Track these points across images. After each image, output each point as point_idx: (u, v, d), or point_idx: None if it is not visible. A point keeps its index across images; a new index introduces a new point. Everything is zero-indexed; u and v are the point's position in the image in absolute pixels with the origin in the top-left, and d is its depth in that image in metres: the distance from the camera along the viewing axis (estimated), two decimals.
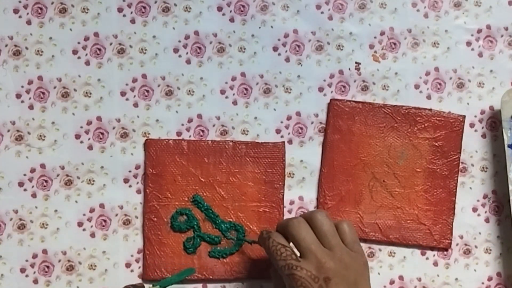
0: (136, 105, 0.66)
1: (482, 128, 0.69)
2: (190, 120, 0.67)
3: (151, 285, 0.60)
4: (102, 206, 0.65)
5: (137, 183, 0.66)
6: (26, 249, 0.64)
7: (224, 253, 0.65)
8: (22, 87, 0.65)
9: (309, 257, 0.54)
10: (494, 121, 0.69)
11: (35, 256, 0.64)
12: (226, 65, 0.67)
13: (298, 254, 0.55)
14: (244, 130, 0.67)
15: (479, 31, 0.70)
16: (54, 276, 0.64)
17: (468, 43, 0.70)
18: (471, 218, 0.68)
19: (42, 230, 0.64)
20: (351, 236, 0.56)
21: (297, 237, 0.55)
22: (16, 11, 0.66)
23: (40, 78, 0.65)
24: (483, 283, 0.68)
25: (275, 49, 0.68)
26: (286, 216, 0.66)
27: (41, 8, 0.66)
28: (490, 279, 0.68)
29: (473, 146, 0.69)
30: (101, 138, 0.66)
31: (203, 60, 0.67)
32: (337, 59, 0.68)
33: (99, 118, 0.66)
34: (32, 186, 0.65)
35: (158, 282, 0.61)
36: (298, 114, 0.68)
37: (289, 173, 0.67)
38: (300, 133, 0.67)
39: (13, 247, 0.64)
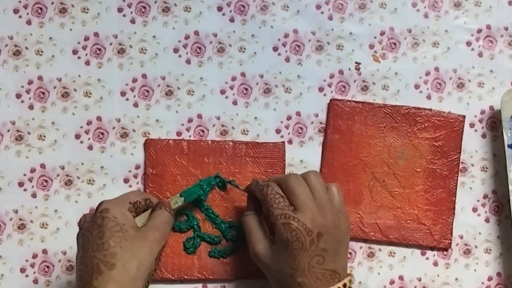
0: (136, 105, 0.66)
1: (482, 128, 0.69)
2: (190, 120, 0.67)
3: (176, 197, 0.61)
4: None
5: (137, 183, 0.66)
6: (26, 249, 0.64)
7: (224, 253, 0.65)
8: (22, 87, 0.65)
9: (304, 210, 0.55)
10: (494, 121, 0.69)
11: (35, 256, 0.64)
12: (226, 65, 0.67)
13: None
14: (244, 130, 0.67)
15: (479, 31, 0.70)
16: (54, 276, 0.64)
17: (468, 43, 0.70)
18: (471, 218, 0.68)
19: (42, 230, 0.64)
20: (339, 198, 0.58)
21: (295, 191, 0.56)
22: (16, 11, 0.66)
23: (40, 78, 0.65)
24: (483, 283, 0.68)
25: (275, 49, 0.68)
26: None
27: (41, 8, 0.66)
28: (490, 279, 0.68)
29: (473, 146, 0.69)
30: (101, 138, 0.66)
31: (203, 60, 0.67)
32: (337, 59, 0.68)
33: (99, 118, 0.66)
34: (32, 186, 0.65)
35: (181, 192, 0.62)
36: (298, 114, 0.68)
37: (289, 173, 0.67)
38: (300, 133, 0.67)
39: (13, 247, 0.64)
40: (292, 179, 0.57)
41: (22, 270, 0.64)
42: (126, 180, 0.65)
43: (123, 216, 0.53)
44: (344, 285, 0.55)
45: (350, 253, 0.66)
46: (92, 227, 0.52)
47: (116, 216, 0.52)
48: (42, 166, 0.65)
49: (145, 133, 0.66)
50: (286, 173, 0.66)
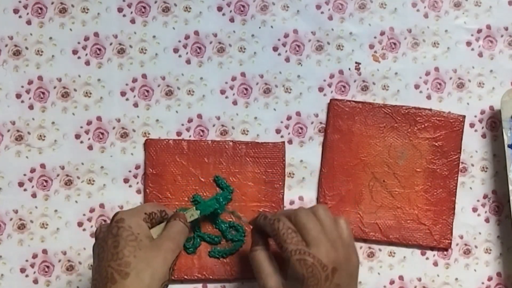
0: (136, 105, 0.66)
1: (482, 128, 0.69)
2: (190, 120, 0.67)
3: (192, 209, 0.61)
4: (102, 206, 0.65)
5: (137, 183, 0.66)
6: (26, 249, 0.64)
7: (224, 253, 0.65)
8: (22, 87, 0.65)
9: (318, 246, 0.54)
10: (494, 121, 0.69)
11: (35, 256, 0.64)
12: (226, 65, 0.67)
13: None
14: (244, 130, 0.67)
15: (479, 31, 0.70)
16: (54, 276, 0.64)
17: (468, 43, 0.70)
18: (471, 218, 0.68)
19: (42, 230, 0.64)
20: (347, 232, 0.57)
21: (306, 226, 0.55)
22: (16, 11, 0.66)
23: (40, 78, 0.65)
24: (483, 283, 0.68)
25: (275, 49, 0.68)
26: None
27: (41, 8, 0.66)
28: (490, 279, 0.68)
29: (473, 146, 0.69)
30: (101, 138, 0.66)
31: (203, 60, 0.67)
32: (337, 59, 0.68)
33: (99, 118, 0.66)
34: (32, 186, 0.65)
35: (197, 205, 0.62)
36: (298, 114, 0.68)
37: (289, 173, 0.67)
38: (300, 133, 0.67)
39: (13, 247, 0.64)
40: (302, 213, 0.56)
41: (22, 270, 0.64)
42: (126, 180, 0.65)
43: (138, 226, 0.52)
44: None
45: None
46: (107, 237, 0.51)
47: (131, 226, 0.52)
48: (42, 166, 0.65)
49: (145, 133, 0.66)
50: (286, 173, 0.66)
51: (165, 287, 0.52)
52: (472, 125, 0.69)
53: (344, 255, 0.55)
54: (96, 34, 0.66)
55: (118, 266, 0.50)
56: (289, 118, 0.67)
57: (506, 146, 0.66)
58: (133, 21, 0.67)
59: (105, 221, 0.65)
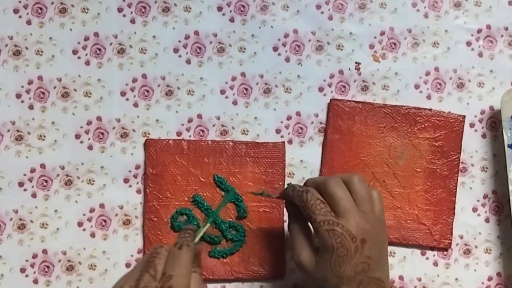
0: (136, 105, 0.66)
1: (482, 128, 0.69)
2: (190, 120, 0.67)
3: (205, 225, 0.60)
4: (102, 206, 0.65)
5: (137, 183, 0.66)
6: (26, 249, 0.64)
7: (224, 253, 0.65)
8: (22, 87, 0.65)
9: (347, 217, 0.53)
10: (494, 121, 0.69)
11: (35, 256, 0.64)
12: (226, 65, 0.67)
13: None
14: (244, 130, 0.67)
15: (479, 31, 0.70)
16: (54, 276, 0.64)
17: (468, 43, 0.70)
18: (471, 218, 0.68)
19: (42, 230, 0.64)
20: (379, 206, 0.56)
21: (336, 196, 0.54)
22: (16, 11, 0.66)
23: (40, 78, 0.65)
24: (483, 283, 0.68)
25: (275, 49, 0.68)
26: (286, 216, 0.66)
27: (41, 8, 0.66)
28: (490, 279, 0.68)
29: (473, 146, 0.69)
30: (101, 138, 0.66)
31: (203, 60, 0.67)
32: (337, 59, 0.68)
33: (99, 118, 0.66)
34: (32, 186, 0.65)
35: (208, 218, 0.61)
36: (298, 114, 0.68)
37: (289, 173, 0.67)
38: (300, 133, 0.67)
39: (13, 247, 0.64)
40: (332, 183, 0.55)
41: (22, 270, 0.64)
42: (126, 180, 0.65)
43: None
44: None
45: None
46: None
47: None
48: (42, 166, 0.65)
49: (145, 133, 0.66)
50: (286, 173, 0.66)
51: None
52: (472, 125, 0.69)
53: (374, 228, 0.54)
54: (96, 34, 0.66)
55: None
56: (289, 118, 0.67)
57: (506, 146, 0.66)
58: (133, 21, 0.67)
59: (105, 221, 0.65)
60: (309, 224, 0.55)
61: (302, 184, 0.59)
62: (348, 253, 0.52)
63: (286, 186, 0.58)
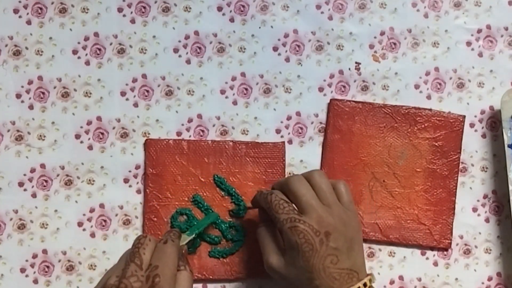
0: (136, 105, 0.66)
1: (482, 128, 0.69)
2: (190, 120, 0.67)
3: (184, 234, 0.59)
4: (102, 206, 0.65)
5: (137, 183, 0.66)
6: (26, 249, 0.64)
7: (224, 253, 0.65)
8: (22, 87, 0.65)
9: (310, 212, 0.54)
10: (494, 121, 0.69)
11: (35, 256, 0.64)
12: (226, 65, 0.67)
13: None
14: (244, 130, 0.67)
15: (479, 31, 0.70)
16: (54, 276, 0.64)
17: (468, 43, 0.70)
18: (471, 218, 0.68)
19: (42, 230, 0.64)
20: (347, 196, 0.58)
21: (298, 193, 0.55)
22: (16, 11, 0.66)
23: (40, 78, 0.65)
24: (483, 283, 0.68)
25: (275, 49, 0.68)
26: None
27: (41, 8, 0.66)
28: (490, 279, 0.68)
29: (473, 146, 0.69)
30: (101, 138, 0.66)
31: (203, 60, 0.67)
32: (337, 59, 0.68)
33: (99, 118, 0.66)
34: (32, 186, 0.65)
35: (187, 231, 0.60)
36: (298, 114, 0.68)
37: (289, 173, 0.67)
38: (300, 133, 0.67)
39: (13, 247, 0.64)
40: (294, 181, 0.56)
41: (22, 270, 0.64)
42: (126, 180, 0.65)
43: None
44: (365, 284, 0.54)
45: None
46: (140, 286, 0.47)
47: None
48: (42, 166, 0.65)
49: (145, 133, 0.66)
50: (286, 173, 0.66)
51: None
52: (472, 125, 0.69)
53: (340, 219, 0.55)
54: (96, 34, 0.66)
55: None
56: (289, 118, 0.67)
57: (506, 146, 0.66)
58: (133, 21, 0.67)
59: (105, 221, 0.65)
60: (275, 224, 0.56)
61: None
62: (314, 248, 0.53)
63: (256, 193, 0.60)
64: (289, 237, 0.54)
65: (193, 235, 0.59)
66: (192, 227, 0.62)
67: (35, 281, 0.64)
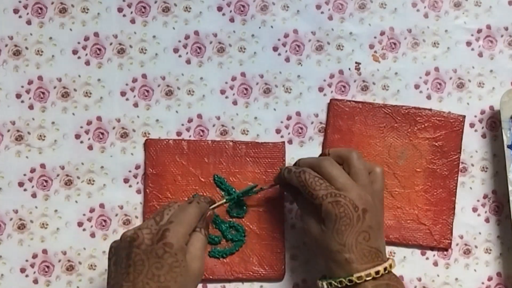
0: (136, 105, 0.66)
1: (482, 128, 0.69)
2: (190, 120, 0.67)
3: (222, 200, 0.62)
4: (102, 206, 0.65)
5: (137, 183, 0.66)
6: (26, 249, 0.64)
7: (224, 253, 0.65)
8: (22, 87, 0.65)
9: (348, 189, 0.55)
10: (494, 121, 0.69)
11: (35, 256, 0.64)
12: (226, 65, 0.67)
13: None
14: (244, 130, 0.67)
15: (479, 31, 0.70)
16: (54, 276, 0.64)
17: (468, 43, 0.70)
18: (471, 218, 0.68)
19: (42, 230, 0.64)
20: (381, 184, 0.59)
21: (332, 175, 0.56)
22: (16, 11, 0.66)
23: (40, 78, 0.65)
24: (483, 283, 0.68)
25: (275, 49, 0.68)
26: (286, 215, 0.66)
27: (41, 8, 0.66)
28: (490, 279, 0.68)
29: (473, 146, 0.69)
30: (101, 138, 0.66)
31: (203, 60, 0.67)
32: (337, 59, 0.68)
33: (99, 118, 0.66)
34: (32, 186, 0.65)
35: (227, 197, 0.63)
36: (298, 114, 0.68)
37: None
38: (300, 133, 0.67)
39: (13, 247, 0.64)
40: (327, 164, 0.57)
41: (22, 270, 0.64)
42: (126, 180, 0.65)
43: (183, 251, 0.51)
44: (390, 266, 0.55)
45: None
46: (151, 255, 0.50)
47: (177, 253, 0.50)
48: (42, 166, 0.65)
49: (145, 133, 0.66)
50: None
51: None
52: (472, 125, 0.69)
53: (374, 200, 0.56)
54: (96, 34, 0.66)
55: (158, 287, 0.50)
56: (289, 118, 0.67)
57: (506, 146, 0.66)
58: (133, 21, 0.67)
59: (105, 221, 0.65)
60: (312, 201, 0.56)
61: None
62: (351, 222, 0.54)
63: (280, 170, 0.61)
64: (329, 211, 0.55)
65: (224, 201, 0.61)
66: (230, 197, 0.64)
67: (35, 281, 0.64)
